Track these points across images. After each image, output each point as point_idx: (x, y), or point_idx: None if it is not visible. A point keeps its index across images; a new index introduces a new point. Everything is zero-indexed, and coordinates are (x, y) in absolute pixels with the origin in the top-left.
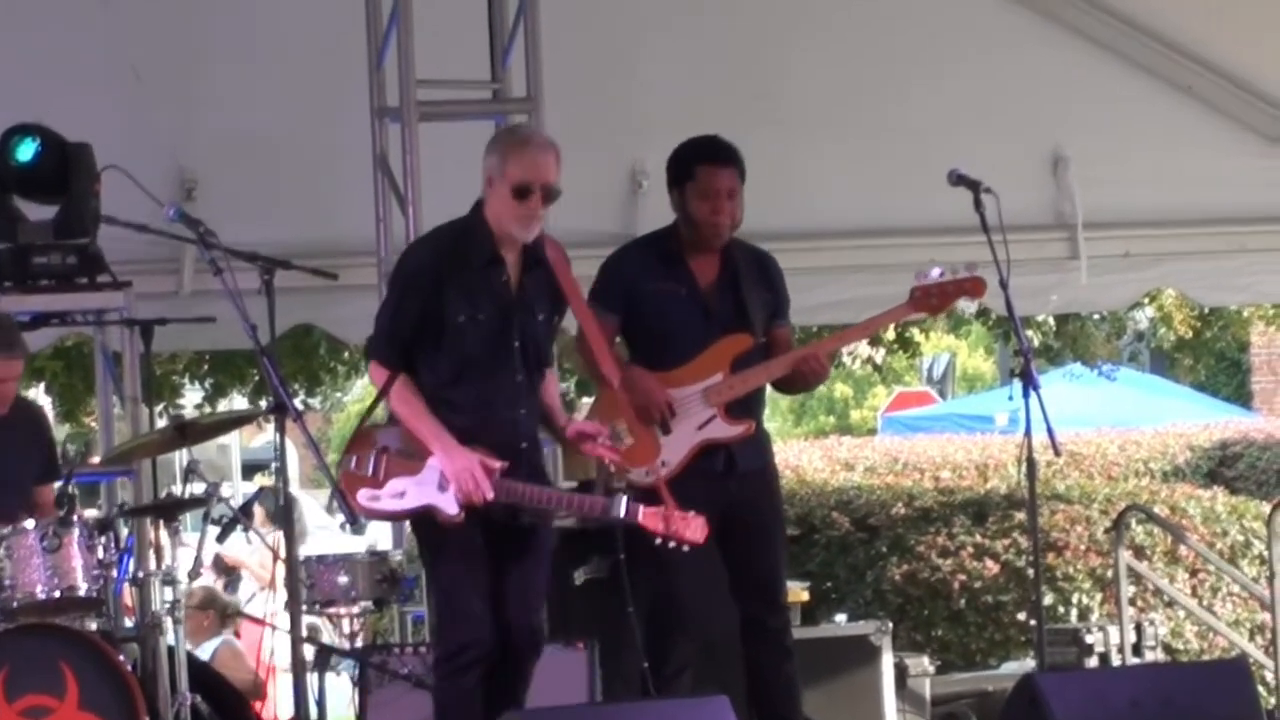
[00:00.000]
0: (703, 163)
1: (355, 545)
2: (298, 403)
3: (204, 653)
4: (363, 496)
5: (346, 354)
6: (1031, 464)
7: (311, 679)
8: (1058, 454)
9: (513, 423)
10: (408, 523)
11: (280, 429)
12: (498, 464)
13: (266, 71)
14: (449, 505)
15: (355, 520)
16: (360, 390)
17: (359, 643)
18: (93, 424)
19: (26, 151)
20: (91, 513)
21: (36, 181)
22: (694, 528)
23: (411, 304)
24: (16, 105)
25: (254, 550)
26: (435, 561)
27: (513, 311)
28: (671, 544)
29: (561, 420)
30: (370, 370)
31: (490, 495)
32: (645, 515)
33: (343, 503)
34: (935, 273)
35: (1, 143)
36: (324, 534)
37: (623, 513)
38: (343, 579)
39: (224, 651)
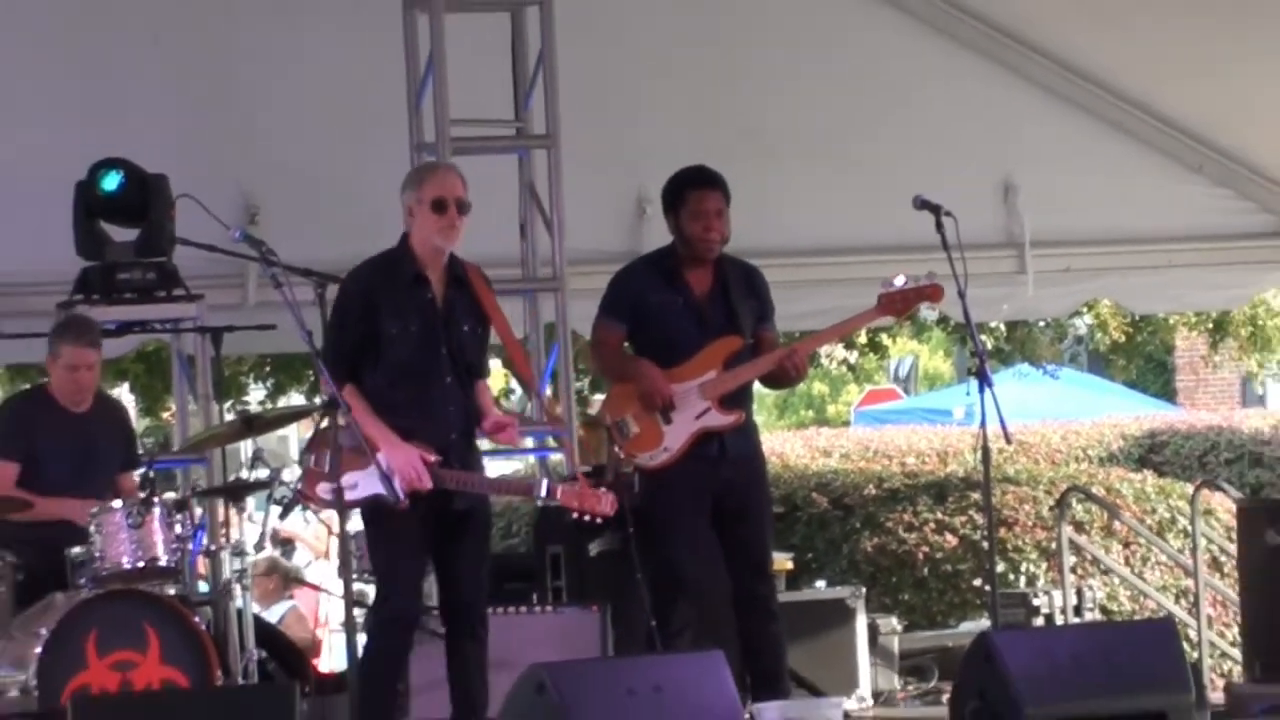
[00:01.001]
0: (692, 188)
1: None
2: None
3: (273, 615)
4: (321, 489)
5: None
6: (986, 451)
7: (360, 638)
8: (1008, 442)
9: (445, 420)
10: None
11: (333, 422)
12: (433, 457)
13: (319, 112)
14: (394, 494)
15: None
16: None
17: None
18: (170, 418)
19: (112, 182)
20: (170, 494)
21: (120, 208)
22: (605, 502)
23: (348, 325)
24: (103, 142)
25: (309, 526)
26: (376, 544)
27: (438, 322)
28: (586, 517)
29: (489, 417)
30: (322, 383)
31: (429, 484)
32: (563, 494)
33: (301, 498)
34: (899, 281)
35: (90, 175)
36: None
37: (544, 493)
38: None
39: (290, 615)
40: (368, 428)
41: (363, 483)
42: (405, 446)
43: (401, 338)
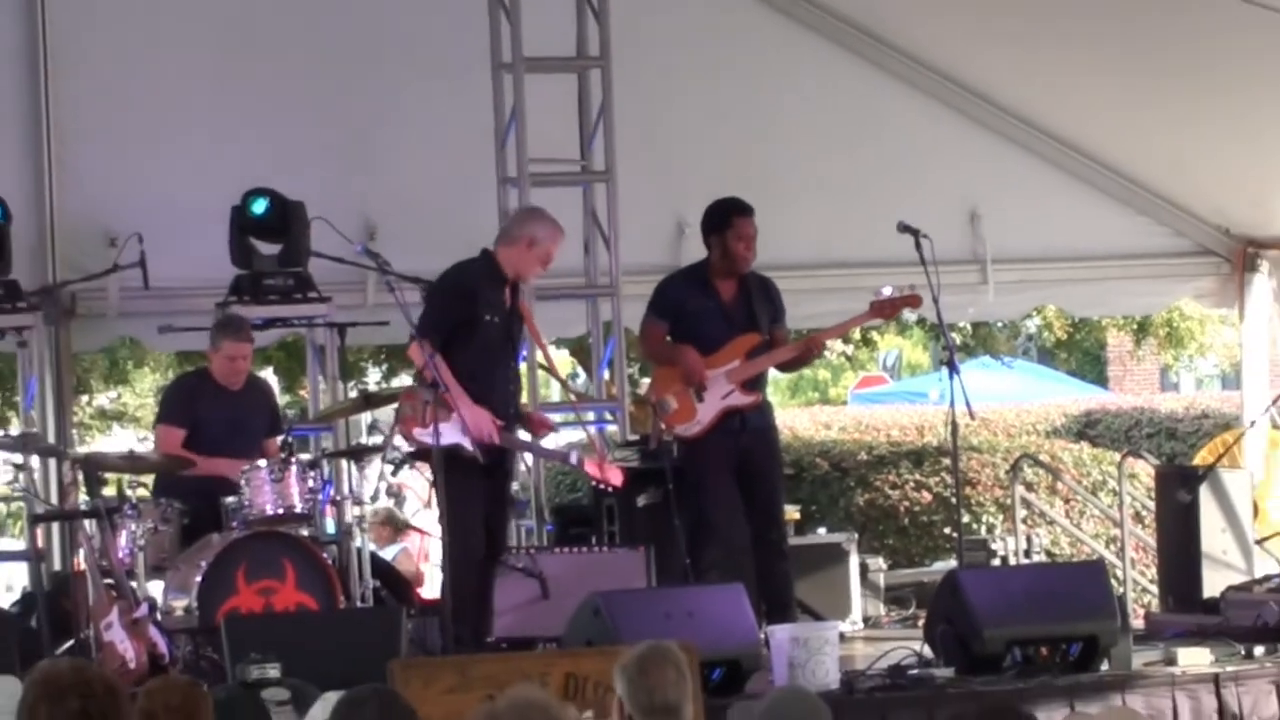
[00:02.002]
0: (737, 214)
1: None
2: None
3: (388, 554)
4: (417, 431)
5: None
6: (954, 425)
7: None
8: (972, 418)
9: (506, 395)
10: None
11: (435, 398)
12: (500, 421)
13: (426, 150)
14: (469, 445)
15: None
16: None
17: None
18: (305, 395)
19: (259, 207)
20: (304, 455)
21: (266, 228)
22: (615, 475)
23: (451, 305)
24: (253, 172)
25: (416, 478)
26: (450, 490)
27: (510, 319)
28: (602, 485)
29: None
30: (411, 349)
31: (498, 440)
32: (587, 464)
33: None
34: (886, 290)
35: (243, 201)
36: None
37: (574, 461)
38: None
39: (401, 555)
40: (453, 389)
41: (446, 432)
42: (481, 409)
43: (490, 327)
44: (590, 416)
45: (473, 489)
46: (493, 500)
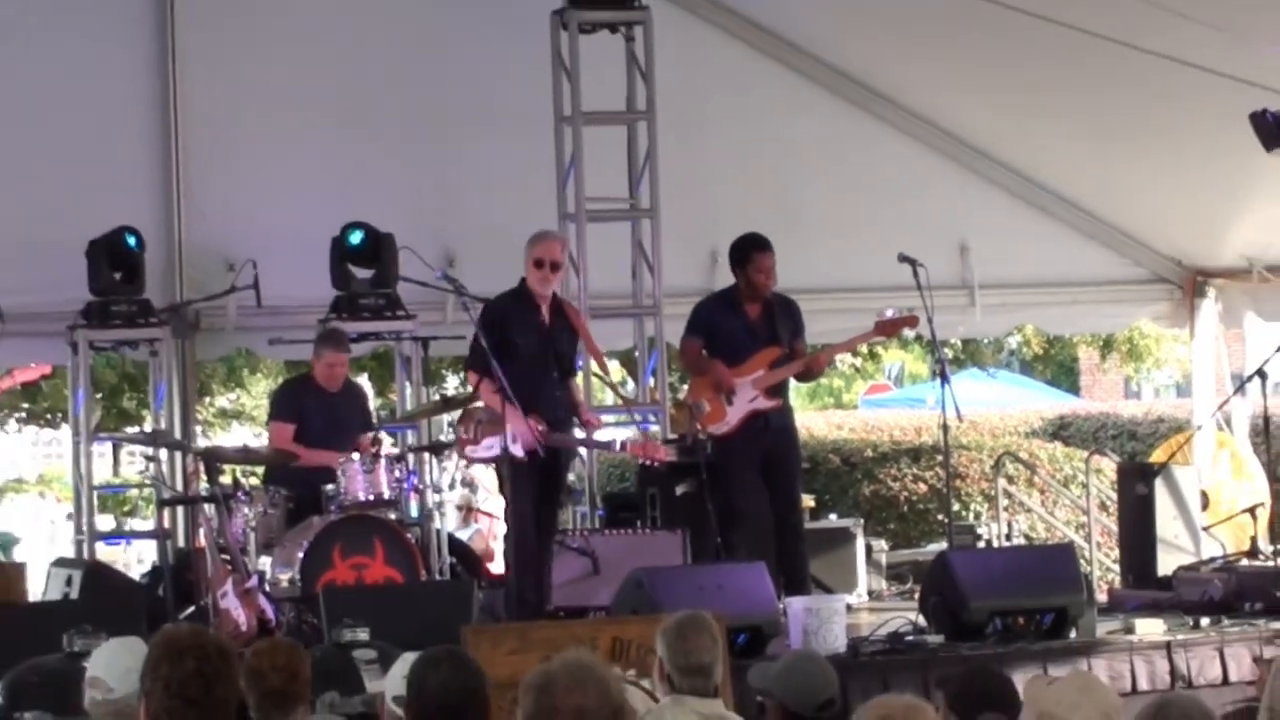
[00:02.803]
0: (757, 250)
1: None
2: None
3: (464, 535)
4: (469, 450)
5: None
6: (946, 427)
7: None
8: (961, 420)
9: (551, 401)
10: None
11: (504, 402)
12: (543, 426)
13: (497, 190)
14: (518, 451)
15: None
16: None
17: None
18: (393, 398)
19: (356, 238)
20: (392, 450)
21: (361, 256)
22: (662, 451)
23: (490, 337)
24: (352, 210)
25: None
26: (505, 487)
27: (551, 335)
28: (650, 461)
29: (583, 412)
30: (468, 376)
31: (542, 442)
32: (631, 447)
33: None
34: (889, 312)
35: (341, 232)
36: None
37: (619, 448)
38: None
39: (475, 536)
40: (499, 406)
41: (495, 444)
42: (523, 422)
43: (525, 346)
44: (637, 418)
45: (521, 485)
46: (543, 489)
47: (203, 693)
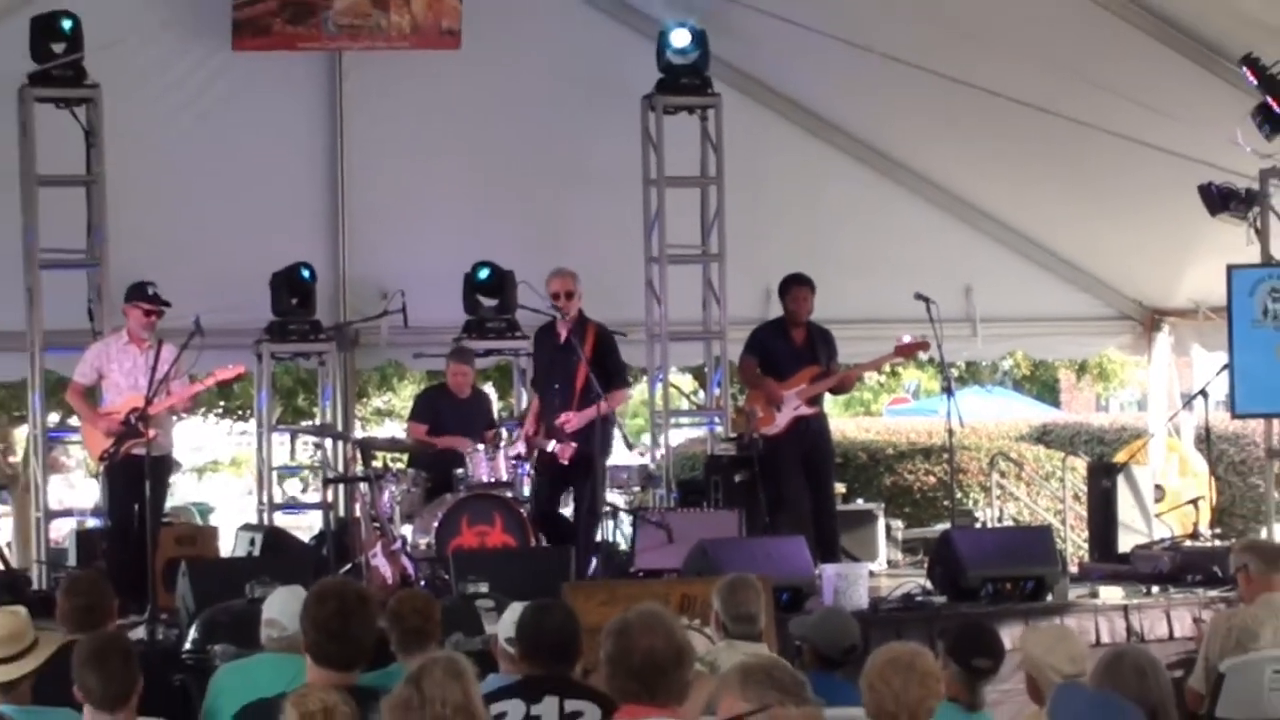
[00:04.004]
0: (795, 285)
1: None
2: None
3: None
4: (539, 440)
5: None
6: (951, 431)
7: (609, 524)
8: (963, 426)
9: (554, 407)
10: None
11: (596, 405)
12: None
13: (596, 237)
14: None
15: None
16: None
17: (633, 504)
18: (513, 402)
19: (483, 274)
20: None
21: (487, 288)
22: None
23: (534, 359)
24: (480, 251)
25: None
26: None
27: (566, 354)
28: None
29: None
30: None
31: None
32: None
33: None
34: (906, 338)
35: (472, 269)
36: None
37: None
38: (625, 475)
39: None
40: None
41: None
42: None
43: (544, 365)
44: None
45: (544, 475)
46: (580, 494)
47: (341, 629)
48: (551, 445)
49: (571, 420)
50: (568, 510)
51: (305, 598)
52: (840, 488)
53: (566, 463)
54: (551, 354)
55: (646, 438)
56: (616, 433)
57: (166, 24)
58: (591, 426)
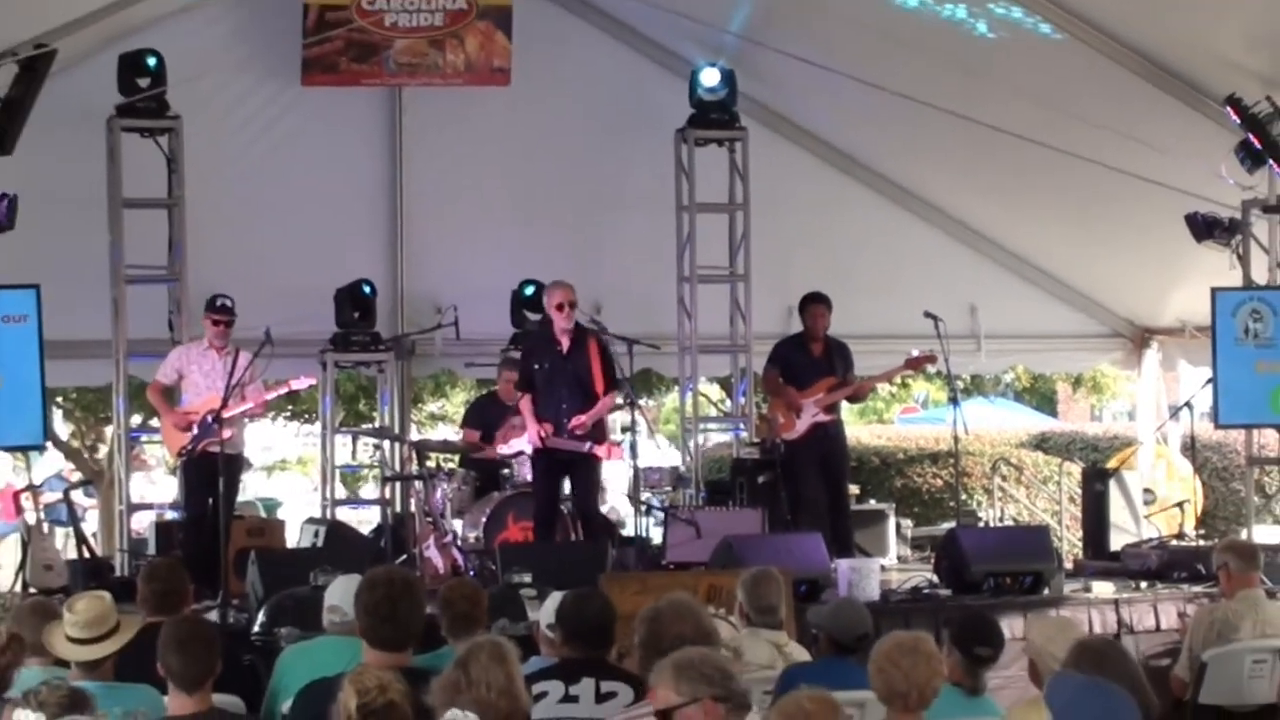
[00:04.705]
0: (813, 303)
1: (663, 460)
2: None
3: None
4: (500, 446)
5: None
6: (956, 438)
7: (644, 520)
8: (967, 433)
9: (560, 410)
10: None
11: (632, 410)
12: (550, 429)
13: (632, 257)
14: (530, 447)
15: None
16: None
17: (665, 502)
18: None
19: (529, 290)
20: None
21: (532, 303)
22: (608, 452)
23: (525, 364)
24: (526, 269)
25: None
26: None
27: (567, 361)
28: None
29: (578, 418)
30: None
31: (542, 444)
32: (596, 449)
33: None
34: (915, 351)
35: (519, 287)
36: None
37: (586, 449)
38: (658, 476)
39: (609, 510)
40: (526, 416)
41: (518, 443)
42: (534, 426)
43: (540, 371)
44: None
45: (539, 475)
46: (572, 482)
47: (390, 613)
48: (588, 447)
49: (583, 422)
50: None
51: (358, 585)
52: (854, 489)
53: (608, 459)
54: (554, 361)
55: (678, 442)
56: (646, 436)
57: (242, 62)
58: (597, 425)
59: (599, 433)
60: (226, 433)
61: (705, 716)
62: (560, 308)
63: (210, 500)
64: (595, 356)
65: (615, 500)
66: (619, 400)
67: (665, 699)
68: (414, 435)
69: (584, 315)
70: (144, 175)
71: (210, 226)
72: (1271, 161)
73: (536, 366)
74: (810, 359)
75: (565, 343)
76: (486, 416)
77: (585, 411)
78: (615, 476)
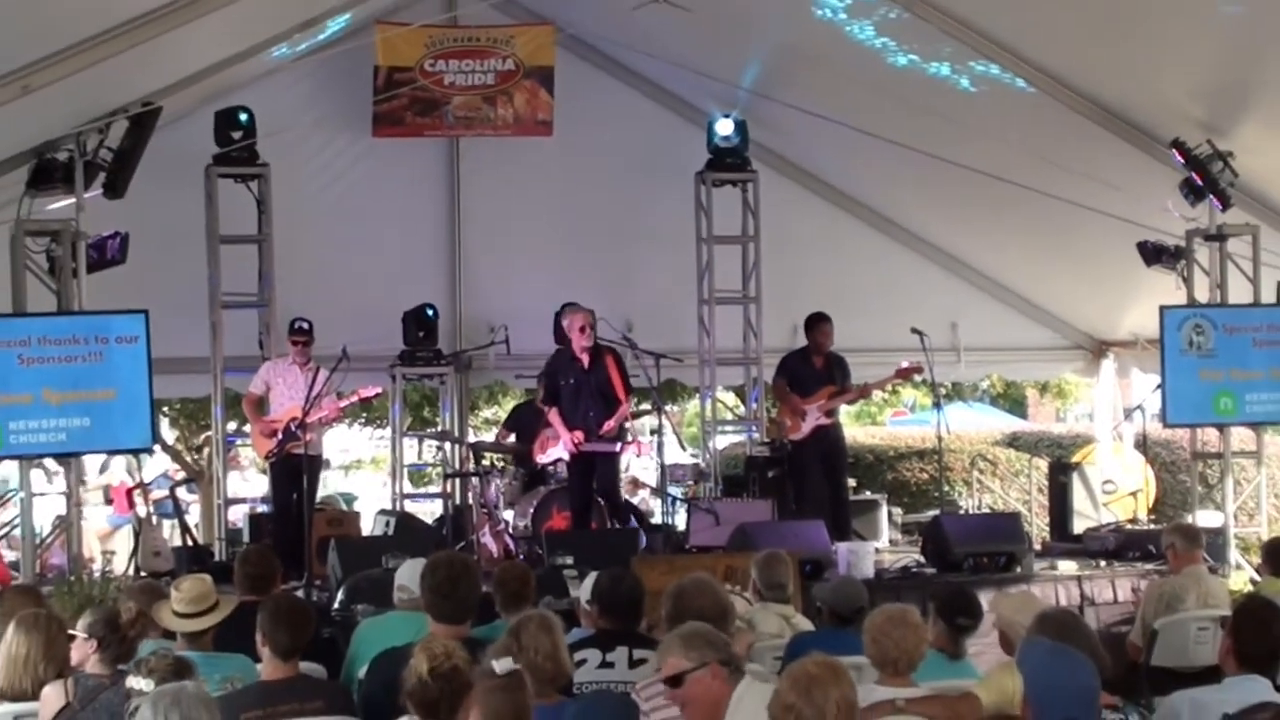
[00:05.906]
0: (818, 322)
1: (686, 458)
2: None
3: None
4: (539, 455)
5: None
6: (940, 437)
7: (670, 509)
8: (949, 433)
9: (588, 419)
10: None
11: (659, 415)
12: (580, 436)
13: (658, 282)
14: (565, 454)
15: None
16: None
17: (688, 494)
18: None
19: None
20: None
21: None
22: (640, 447)
23: (548, 379)
24: (567, 293)
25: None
26: (568, 475)
27: (590, 376)
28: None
29: (604, 425)
30: (546, 409)
31: (578, 448)
32: (623, 446)
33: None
34: (904, 363)
35: (561, 308)
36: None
37: (618, 449)
38: (682, 472)
39: (640, 501)
40: (558, 425)
41: (555, 451)
42: (566, 433)
43: (567, 386)
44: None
45: (575, 475)
46: (598, 475)
47: (450, 590)
48: (618, 447)
49: (611, 427)
50: None
51: (423, 567)
52: (851, 482)
53: (639, 455)
54: (578, 375)
55: (699, 443)
56: (671, 437)
57: (321, 117)
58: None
59: (622, 433)
60: (308, 436)
61: (713, 679)
62: (583, 329)
63: (295, 495)
64: (613, 369)
65: (645, 494)
66: (645, 407)
67: (676, 665)
68: (471, 438)
69: (615, 332)
70: (237, 215)
71: (294, 259)
72: (1211, 196)
73: (562, 382)
74: (813, 370)
75: (585, 359)
76: (523, 421)
77: (610, 417)
78: (644, 474)
